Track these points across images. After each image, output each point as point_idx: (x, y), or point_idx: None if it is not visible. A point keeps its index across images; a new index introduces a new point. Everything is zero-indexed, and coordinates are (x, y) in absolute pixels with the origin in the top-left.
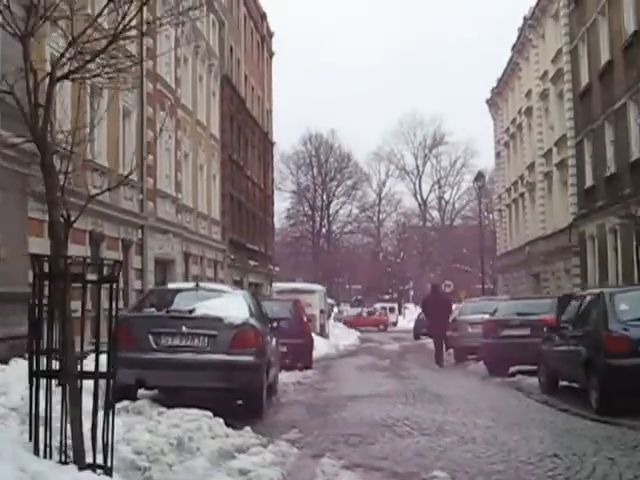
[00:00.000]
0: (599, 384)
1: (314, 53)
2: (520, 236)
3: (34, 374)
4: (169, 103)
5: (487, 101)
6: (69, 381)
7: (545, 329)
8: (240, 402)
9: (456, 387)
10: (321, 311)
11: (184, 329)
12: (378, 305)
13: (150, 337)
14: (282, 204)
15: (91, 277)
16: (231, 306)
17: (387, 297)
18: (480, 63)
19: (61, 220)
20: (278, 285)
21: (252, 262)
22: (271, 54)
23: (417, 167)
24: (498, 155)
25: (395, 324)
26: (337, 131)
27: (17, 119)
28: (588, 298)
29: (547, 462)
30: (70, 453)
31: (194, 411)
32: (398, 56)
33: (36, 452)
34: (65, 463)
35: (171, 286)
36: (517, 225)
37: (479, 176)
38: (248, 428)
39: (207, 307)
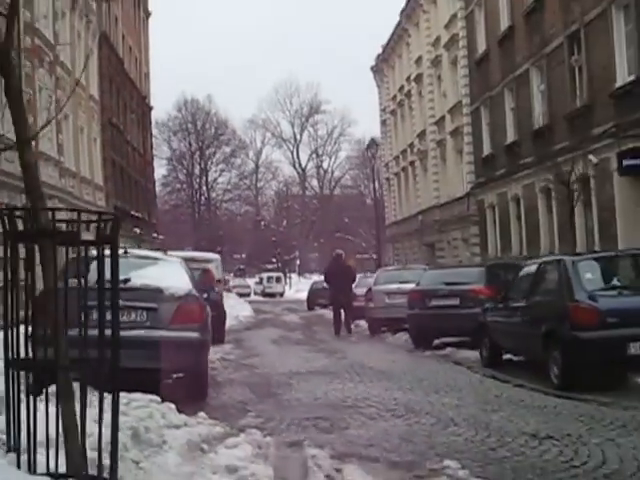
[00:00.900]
0: (563, 358)
1: (189, 12)
2: (411, 205)
3: (13, 365)
4: (48, 59)
5: (372, 68)
6: (63, 374)
7: (483, 299)
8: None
9: (392, 362)
10: (218, 281)
11: (120, 302)
12: (264, 275)
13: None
14: (158, 170)
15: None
16: (169, 275)
17: (270, 267)
18: (360, 29)
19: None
20: (172, 254)
21: (137, 230)
22: (147, 14)
23: (294, 135)
24: (384, 123)
25: (282, 294)
26: (213, 97)
27: None
28: (543, 267)
29: (548, 445)
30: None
31: (138, 395)
32: (271, 16)
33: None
34: (56, 477)
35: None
36: (407, 194)
37: (371, 144)
38: (202, 414)
39: (144, 276)
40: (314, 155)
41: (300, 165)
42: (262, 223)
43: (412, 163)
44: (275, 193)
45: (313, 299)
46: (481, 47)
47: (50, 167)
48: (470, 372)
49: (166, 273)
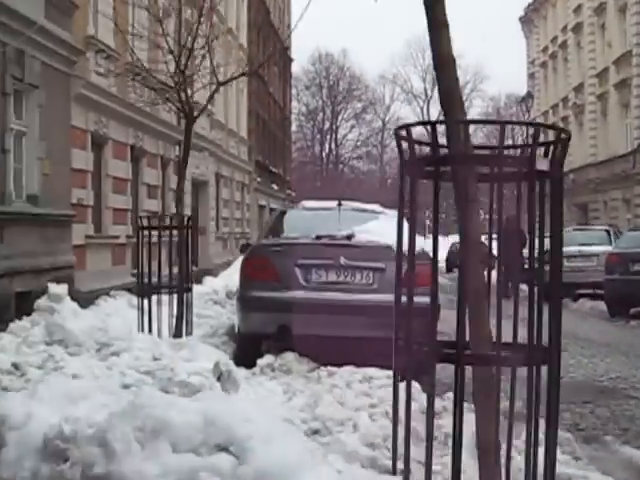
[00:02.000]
0: None
1: None
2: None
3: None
4: (206, 5)
5: (520, 18)
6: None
7: None
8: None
9: (600, 333)
10: None
11: (342, 261)
12: None
13: (297, 271)
14: None
15: None
16: (394, 231)
17: None
18: None
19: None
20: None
21: (274, 186)
22: None
23: (425, 91)
24: (532, 76)
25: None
26: (348, 51)
27: (64, 10)
28: None
29: None
30: None
31: (371, 371)
32: None
33: None
34: None
35: (306, 205)
36: None
37: (527, 96)
38: (450, 394)
39: (369, 232)
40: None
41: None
42: (388, 182)
43: (565, 118)
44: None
45: (453, 260)
46: None
47: (203, 118)
48: None
49: (391, 229)
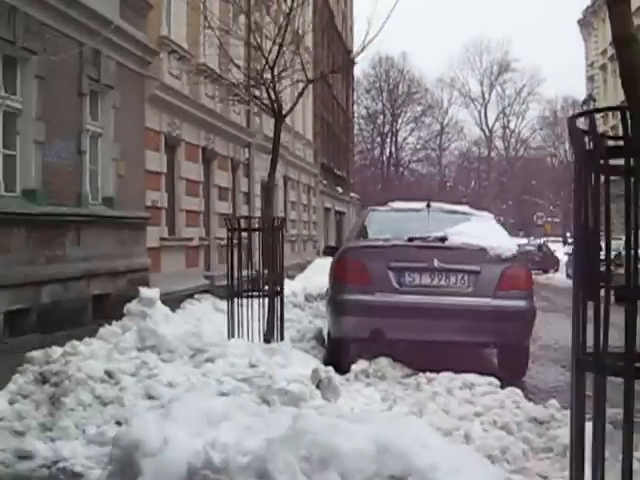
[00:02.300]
0: None
1: None
2: None
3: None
4: (274, 7)
5: (578, 21)
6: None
7: None
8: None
9: None
10: None
11: (436, 263)
12: None
13: (390, 274)
14: None
15: None
16: (488, 233)
17: None
18: None
19: None
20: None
21: (339, 189)
22: None
23: (482, 94)
24: (591, 79)
25: None
26: (407, 54)
27: (138, 10)
28: None
29: None
30: None
31: (471, 377)
32: None
33: None
34: None
35: (395, 205)
36: None
37: (588, 99)
38: (554, 402)
39: (463, 234)
40: (501, 115)
41: (487, 125)
42: (447, 185)
43: None
44: (460, 154)
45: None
46: None
47: (271, 120)
48: None
49: (484, 231)
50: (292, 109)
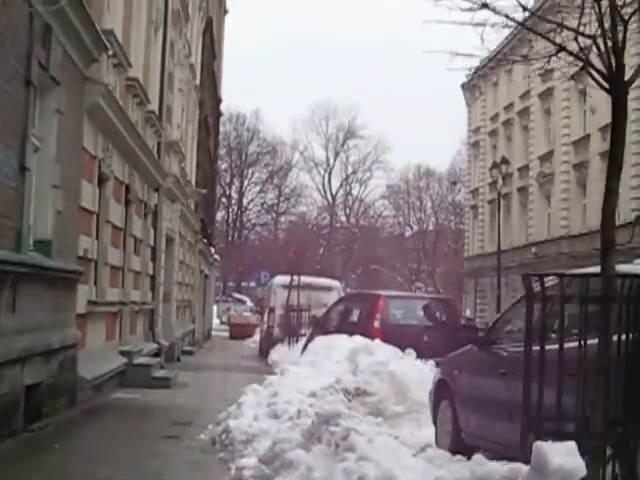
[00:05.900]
0: None
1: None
2: (515, 235)
3: None
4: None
5: (462, 85)
6: None
7: None
8: None
9: None
10: None
11: None
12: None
13: None
14: None
15: None
16: None
17: None
18: (404, 52)
19: None
20: (280, 279)
21: (212, 249)
22: (225, 11)
23: (327, 160)
24: (475, 145)
25: None
26: (260, 112)
27: None
28: None
29: None
30: None
31: None
32: (302, 32)
33: None
34: None
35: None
36: (508, 223)
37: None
38: None
39: None
40: (344, 182)
41: (331, 191)
42: (291, 253)
43: (522, 189)
44: (303, 220)
45: None
46: None
47: (179, 161)
48: None
49: None
50: None
